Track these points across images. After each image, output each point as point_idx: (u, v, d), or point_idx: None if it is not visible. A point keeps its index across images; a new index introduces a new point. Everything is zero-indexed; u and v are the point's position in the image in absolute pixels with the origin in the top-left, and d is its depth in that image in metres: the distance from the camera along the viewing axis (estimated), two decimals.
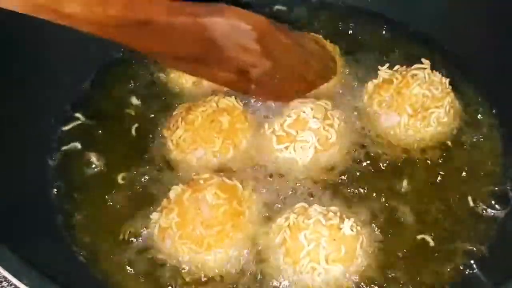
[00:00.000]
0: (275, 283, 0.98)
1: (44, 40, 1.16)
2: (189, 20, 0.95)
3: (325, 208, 1.00)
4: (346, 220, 0.98)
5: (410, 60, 1.23)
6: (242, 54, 1.03)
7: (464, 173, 1.13)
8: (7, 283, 0.86)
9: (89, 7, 0.84)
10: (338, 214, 0.99)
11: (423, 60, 1.19)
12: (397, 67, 1.21)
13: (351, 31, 1.41)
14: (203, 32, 0.96)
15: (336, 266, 0.95)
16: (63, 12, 0.82)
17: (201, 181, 1.04)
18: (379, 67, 1.22)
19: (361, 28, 1.42)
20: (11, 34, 1.10)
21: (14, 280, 0.78)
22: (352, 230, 0.97)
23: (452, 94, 1.18)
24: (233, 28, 0.98)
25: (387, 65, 1.23)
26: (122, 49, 1.36)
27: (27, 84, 1.14)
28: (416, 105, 1.13)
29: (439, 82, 1.16)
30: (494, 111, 1.23)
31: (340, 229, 0.96)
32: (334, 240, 0.95)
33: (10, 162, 1.05)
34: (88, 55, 1.29)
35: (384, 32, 1.41)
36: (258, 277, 0.99)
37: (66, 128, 1.23)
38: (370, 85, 1.21)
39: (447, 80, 1.18)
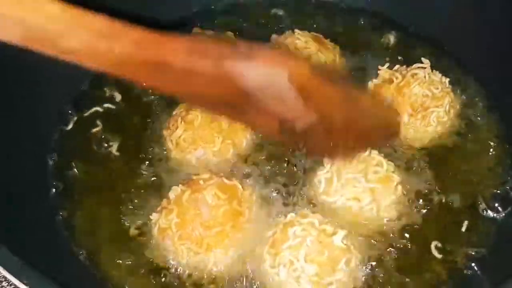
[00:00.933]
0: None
1: None
2: (212, 63, 0.79)
3: (327, 220, 0.99)
4: (340, 231, 0.97)
5: (410, 60, 1.23)
6: (280, 104, 0.84)
7: (463, 173, 1.13)
8: (7, 283, 0.86)
9: (93, 42, 0.74)
10: (338, 229, 0.98)
11: (423, 59, 1.19)
12: (397, 66, 1.21)
13: (351, 31, 1.41)
14: (229, 79, 0.80)
15: (312, 266, 0.93)
16: (63, 46, 0.75)
17: (201, 181, 1.04)
18: (379, 67, 1.23)
19: (361, 28, 1.42)
20: None
21: (14, 280, 0.78)
22: (342, 243, 0.95)
23: (452, 94, 1.18)
24: (266, 77, 0.80)
25: (387, 65, 1.23)
26: None
27: (26, 84, 1.14)
28: (416, 104, 1.13)
29: (439, 82, 1.16)
30: (494, 111, 1.22)
31: (331, 236, 0.96)
32: (320, 242, 0.94)
33: (10, 162, 1.05)
34: None
35: (384, 32, 1.40)
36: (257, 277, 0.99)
37: (66, 128, 1.23)
38: (370, 85, 1.21)
39: (447, 80, 1.18)
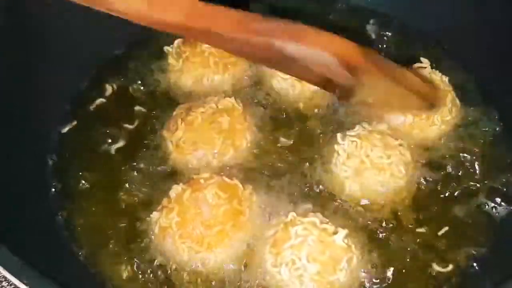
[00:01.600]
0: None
1: (43, 40, 1.16)
2: (260, 39, 0.84)
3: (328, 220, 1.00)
4: (341, 229, 0.97)
5: (410, 60, 1.23)
6: (324, 70, 0.89)
7: (467, 172, 1.13)
8: (7, 283, 0.85)
9: (146, 10, 0.80)
10: (339, 228, 0.98)
11: (422, 59, 1.20)
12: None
13: (352, 31, 1.40)
14: (278, 51, 0.85)
15: (314, 265, 0.93)
16: (117, 8, 0.80)
17: (202, 181, 1.04)
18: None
19: (362, 27, 1.42)
20: (11, 36, 1.11)
21: (14, 280, 0.78)
22: (344, 242, 0.95)
23: (453, 93, 1.18)
24: (314, 55, 0.85)
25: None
26: (116, 49, 1.37)
27: (26, 84, 1.14)
28: None
29: (440, 81, 1.16)
30: (493, 110, 1.23)
31: (332, 235, 0.96)
32: (321, 241, 0.95)
33: (10, 162, 1.05)
34: (88, 54, 1.28)
35: (383, 31, 1.40)
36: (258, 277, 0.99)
37: (65, 128, 1.23)
38: None
39: (447, 79, 1.18)
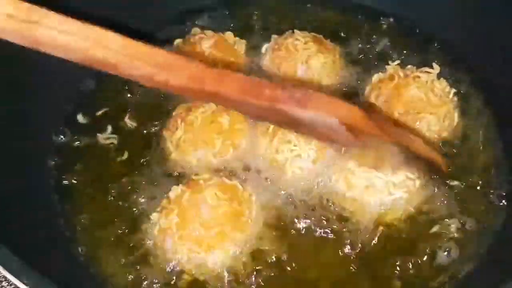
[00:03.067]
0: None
1: None
2: (267, 104, 0.84)
3: None
4: None
5: (422, 63, 1.22)
6: (330, 134, 0.89)
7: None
8: (7, 283, 0.86)
9: (150, 73, 0.81)
10: None
11: (434, 65, 1.19)
12: (408, 66, 1.20)
13: (354, 32, 1.40)
14: (284, 115, 0.85)
15: None
16: (123, 72, 0.82)
17: (201, 182, 1.04)
18: (389, 62, 1.22)
19: (364, 27, 1.41)
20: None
21: (14, 280, 0.79)
22: None
23: (452, 105, 1.16)
24: (319, 119, 0.84)
25: (398, 61, 1.22)
26: None
27: (27, 84, 1.14)
28: (408, 106, 1.13)
29: (442, 90, 1.15)
30: (498, 136, 1.18)
31: None
32: None
33: (10, 163, 1.05)
34: None
35: (391, 32, 1.39)
36: (257, 277, 1.00)
37: (66, 129, 1.23)
38: (375, 77, 1.21)
39: (453, 91, 1.16)
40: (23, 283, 0.78)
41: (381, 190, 1.04)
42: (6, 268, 0.79)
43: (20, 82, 1.13)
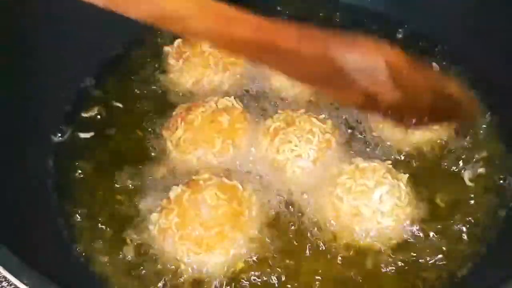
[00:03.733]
0: None
1: (42, 40, 1.16)
2: (318, 51, 0.88)
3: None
4: None
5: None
6: (371, 84, 0.92)
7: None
8: (7, 283, 0.86)
9: (217, 27, 0.84)
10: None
11: (433, 64, 1.19)
12: None
13: (354, 32, 1.40)
14: (331, 62, 0.88)
15: None
16: (190, 27, 0.83)
17: (201, 182, 1.04)
18: None
19: (367, 28, 1.40)
20: (8, 36, 1.11)
21: (14, 280, 0.79)
22: None
23: None
24: (366, 63, 0.89)
25: None
26: (116, 49, 1.36)
27: (27, 83, 1.14)
28: None
29: None
30: (496, 133, 1.19)
31: None
32: None
33: (10, 162, 1.05)
34: (88, 53, 1.28)
35: (390, 33, 1.39)
36: (257, 278, 1.00)
37: (66, 128, 1.23)
38: None
39: None
40: (23, 283, 0.77)
41: (369, 218, 1.01)
42: (6, 268, 0.79)
43: (19, 81, 1.13)
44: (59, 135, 1.22)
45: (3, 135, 1.06)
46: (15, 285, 0.79)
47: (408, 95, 0.95)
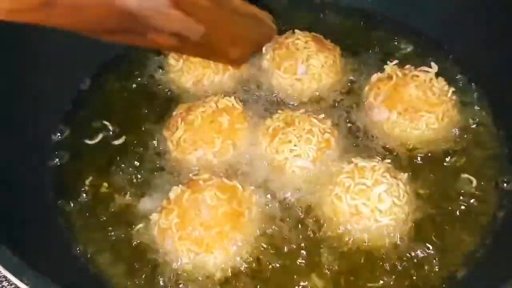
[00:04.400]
0: None
1: (42, 40, 1.15)
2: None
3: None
4: None
5: (421, 63, 1.21)
6: (167, 21, 0.94)
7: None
8: (7, 283, 0.86)
9: None
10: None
11: (432, 64, 1.18)
12: (407, 66, 1.20)
13: (354, 32, 1.40)
14: (113, 7, 0.87)
15: None
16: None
17: (201, 182, 1.03)
18: (388, 62, 1.22)
19: (363, 29, 1.41)
20: (10, 35, 1.10)
21: (15, 280, 0.79)
22: None
23: (451, 104, 1.15)
24: (146, 4, 0.88)
25: (396, 61, 1.21)
26: (116, 49, 1.35)
27: (27, 84, 1.14)
28: (407, 105, 1.13)
29: (440, 89, 1.15)
30: (500, 131, 1.18)
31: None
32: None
33: (10, 163, 1.05)
34: (88, 53, 1.27)
35: (399, 38, 1.38)
36: (257, 276, 1.00)
37: (65, 128, 1.23)
38: (374, 77, 1.21)
39: (451, 89, 1.16)
40: (24, 283, 0.78)
41: (368, 217, 1.01)
42: (6, 268, 0.79)
43: (19, 82, 1.12)
44: (59, 134, 1.22)
45: (3, 136, 1.06)
46: (15, 285, 0.79)
47: (214, 27, 0.98)
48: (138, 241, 1.05)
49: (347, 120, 1.20)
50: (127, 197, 1.12)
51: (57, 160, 1.19)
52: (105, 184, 1.14)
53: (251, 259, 1.01)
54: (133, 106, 1.27)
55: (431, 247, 1.02)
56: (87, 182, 1.15)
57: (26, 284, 0.78)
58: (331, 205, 1.04)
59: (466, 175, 1.12)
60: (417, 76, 1.16)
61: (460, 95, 1.19)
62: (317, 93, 1.24)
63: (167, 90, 1.29)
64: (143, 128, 1.22)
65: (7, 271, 0.79)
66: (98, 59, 1.33)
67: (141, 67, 1.34)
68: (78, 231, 1.08)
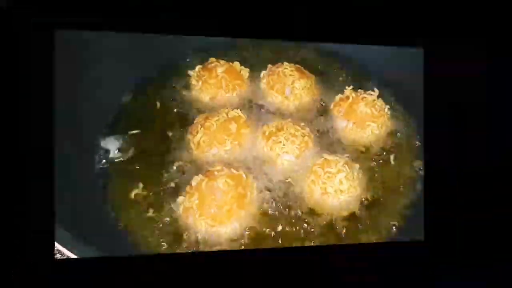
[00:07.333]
0: None
1: (86, 59, 1.00)
2: None
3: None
4: None
5: (367, 88, 1.14)
6: None
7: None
8: (60, 255, 0.72)
9: None
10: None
11: (375, 89, 1.12)
12: (359, 91, 1.14)
13: (325, 66, 1.28)
14: None
15: None
16: None
17: (215, 172, 0.93)
18: (346, 87, 1.15)
19: (332, 64, 1.28)
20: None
21: (66, 252, 0.66)
22: None
23: (387, 117, 1.10)
24: None
25: (352, 87, 1.14)
26: (152, 73, 1.19)
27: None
28: (358, 117, 1.09)
29: (380, 107, 1.11)
30: (417, 135, 1.10)
31: None
32: None
33: (68, 157, 0.89)
34: (128, 74, 1.13)
35: (349, 69, 1.27)
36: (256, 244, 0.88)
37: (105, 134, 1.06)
38: (337, 97, 1.16)
39: (387, 107, 1.12)
40: (73, 253, 0.65)
41: (333, 195, 0.95)
42: (60, 243, 0.66)
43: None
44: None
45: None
46: (67, 255, 0.66)
47: None
48: (168, 218, 0.92)
49: (319, 128, 1.11)
50: (159, 185, 0.97)
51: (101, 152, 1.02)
52: (142, 174, 0.99)
53: (253, 229, 0.91)
54: (166, 116, 1.12)
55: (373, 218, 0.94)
56: (125, 172, 0.99)
57: (75, 254, 0.65)
58: (308, 187, 0.97)
59: (396, 162, 1.06)
60: (365, 97, 1.12)
61: (392, 111, 1.13)
62: (299, 108, 1.16)
63: (190, 103, 1.16)
64: (172, 134, 1.08)
65: (61, 245, 0.66)
66: (137, 79, 1.17)
67: (171, 86, 1.19)
68: (124, 213, 0.92)
